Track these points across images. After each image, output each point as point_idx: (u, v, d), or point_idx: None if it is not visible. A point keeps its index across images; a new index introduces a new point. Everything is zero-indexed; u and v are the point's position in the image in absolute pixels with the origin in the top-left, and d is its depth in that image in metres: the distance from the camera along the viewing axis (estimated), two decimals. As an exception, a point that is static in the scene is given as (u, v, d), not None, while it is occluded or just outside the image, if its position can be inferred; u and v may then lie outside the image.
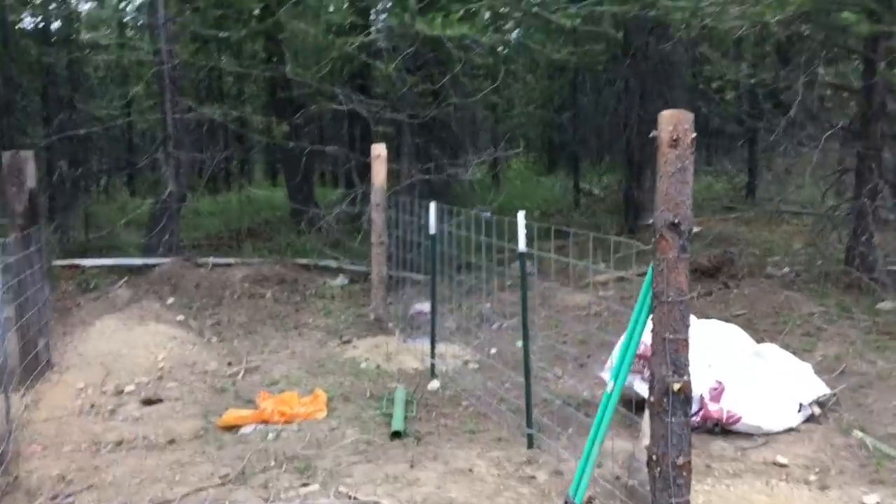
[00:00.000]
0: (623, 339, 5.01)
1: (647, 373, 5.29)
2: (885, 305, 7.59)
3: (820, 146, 7.91)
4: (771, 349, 5.74)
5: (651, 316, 3.23)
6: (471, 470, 4.50)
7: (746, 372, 5.24)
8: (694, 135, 3.10)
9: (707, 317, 7.56)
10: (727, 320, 6.91)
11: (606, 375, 5.65)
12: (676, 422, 3.17)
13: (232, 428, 5.40)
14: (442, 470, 4.52)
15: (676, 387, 3.15)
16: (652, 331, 3.22)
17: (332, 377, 6.49)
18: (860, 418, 5.08)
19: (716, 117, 13.18)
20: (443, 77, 9.19)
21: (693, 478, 4.31)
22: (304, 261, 10.63)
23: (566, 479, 4.35)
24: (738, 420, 4.84)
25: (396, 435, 5.09)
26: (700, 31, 10.53)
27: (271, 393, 5.98)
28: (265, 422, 5.46)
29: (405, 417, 5.36)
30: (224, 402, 5.95)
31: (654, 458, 3.23)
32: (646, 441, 4.63)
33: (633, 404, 5.19)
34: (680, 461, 3.18)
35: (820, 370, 5.70)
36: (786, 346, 6.06)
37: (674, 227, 3.09)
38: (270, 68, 10.38)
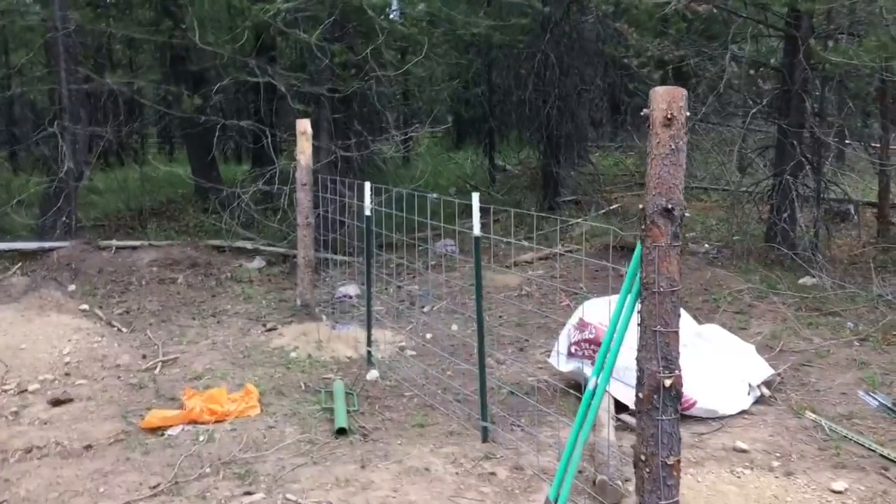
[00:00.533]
0: (568, 319, 4.85)
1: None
2: (807, 281, 7.75)
3: (747, 124, 7.96)
4: (713, 330, 5.71)
5: (638, 307, 3.03)
6: (427, 469, 4.24)
7: (693, 354, 5.17)
8: (688, 113, 2.90)
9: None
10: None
11: (555, 361, 5.49)
12: (668, 419, 2.99)
13: (157, 430, 4.95)
14: (396, 470, 4.24)
15: (668, 382, 2.96)
16: (639, 323, 3.02)
17: (260, 369, 6.09)
18: (808, 398, 5.09)
19: (629, 95, 13.22)
20: (363, 49, 8.76)
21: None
22: (216, 242, 10.06)
23: (528, 474, 4.16)
24: (694, 404, 4.76)
25: (341, 432, 4.77)
26: (618, 7, 10.49)
27: (196, 389, 5.54)
28: (194, 422, 5.03)
29: (348, 412, 5.04)
30: (143, 401, 5.47)
31: (642, 457, 3.05)
32: (605, 432, 4.49)
33: (582, 389, 5.07)
34: (671, 461, 3.01)
35: (759, 349, 5.71)
36: (721, 325, 6.06)
37: (667, 212, 2.89)
38: (175, 36, 9.66)
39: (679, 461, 3.05)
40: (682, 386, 3.01)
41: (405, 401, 5.36)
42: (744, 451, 4.35)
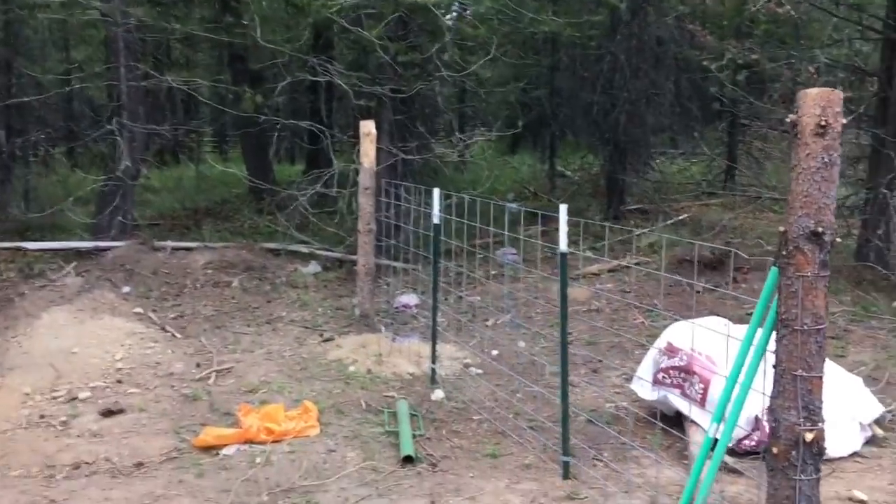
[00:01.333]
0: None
1: (689, 388, 4.70)
2: (906, 304, 7.17)
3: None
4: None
5: (775, 345, 2.60)
6: (504, 508, 3.84)
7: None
8: (844, 121, 2.46)
9: (714, 313, 7.03)
10: (743, 320, 6.39)
11: (638, 388, 5.05)
12: (807, 480, 2.56)
13: (211, 448, 4.64)
14: (469, 507, 3.85)
15: (809, 437, 2.53)
16: (776, 366, 2.59)
17: (318, 383, 5.76)
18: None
19: (700, 99, 12.66)
20: (428, 48, 8.41)
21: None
22: (271, 245, 9.81)
23: (617, 519, 3.73)
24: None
25: (407, 460, 4.39)
26: (696, 9, 9.98)
27: (252, 405, 5.22)
28: (250, 441, 4.71)
29: (413, 437, 4.66)
30: (197, 415, 5.18)
31: (774, 523, 2.62)
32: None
33: (657, 416, 4.62)
34: (809, 528, 2.58)
35: (863, 381, 5.18)
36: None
37: (815, 237, 2.45)
38: (235, 34, 9.44)
39: (817, 528, 2.60)
40: (824, 441, 2.57)
41: (474, 426, 4.97)
42: (863, 502, 3.86)
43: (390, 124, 8.89)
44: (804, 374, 2.53)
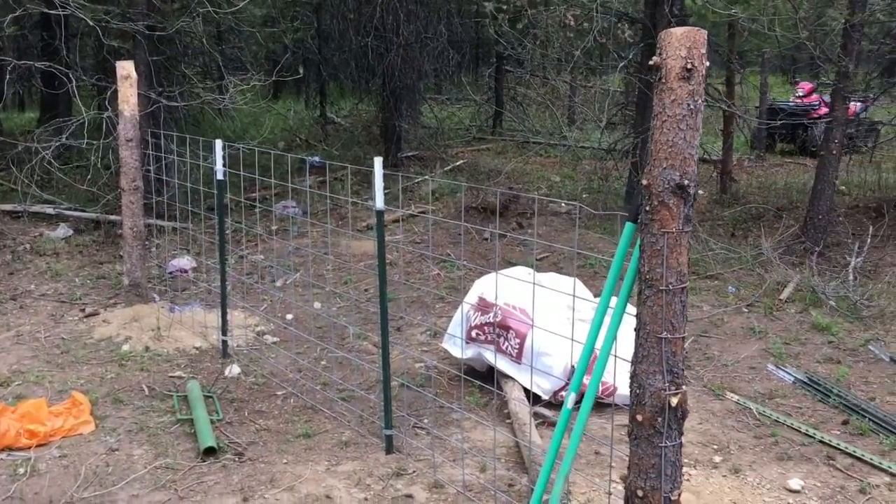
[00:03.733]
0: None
1: (504, 343, 4.56)
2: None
3: (616, 78, 7.58)
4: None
5: (637, 307, 2.42)
6: (328, 496, 3.46)
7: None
8: (707, 64, 2.28)
9: (511, 262, 7.05)
10: (533, 266, 6.45)
11: (450, 346, 4.84)
12: (672, 446, 2.43)
13: (-45, 463, 3.79)
14: (289, 500, 3.43)
15: (675, 401, 2.39)
16: (638, 328, 2.41)
17: (86, 368, 4.96)
18: (719, 376, 4.79)
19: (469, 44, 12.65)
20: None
21: (584, 470, 3.69)
22: (7, 207, 8.44)
23: (450, 493, 3.49)
24: (615, 391, 4.28)
25: (209, 452, 3.85)
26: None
27: (5, 402, 4.36)
28: (7, 449, 3.91)
29: (211, 423, 4.11)
30: (-68, 421, 4.23)
31: (639, 493, 2.47)
32: (527, 432, 3.91)
33: (468, 373, 4.48)
34: (675, 496, 2.46)
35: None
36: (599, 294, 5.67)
37: (680, 190, 2.27)
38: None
39: (680, 494, 2.50)
40: (687, 403, 2.45)
41: (279, 402, 4.50)
42: (679, 444, 3.93)
43: (147, 66, 7.87)
44: (669, 336, 2.37)
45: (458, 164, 11.46)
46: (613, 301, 2.70)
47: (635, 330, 2.45)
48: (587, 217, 8.50)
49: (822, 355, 5.05)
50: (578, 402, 2.72)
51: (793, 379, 4.65)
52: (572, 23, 9.59)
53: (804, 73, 14.86)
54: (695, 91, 2.26)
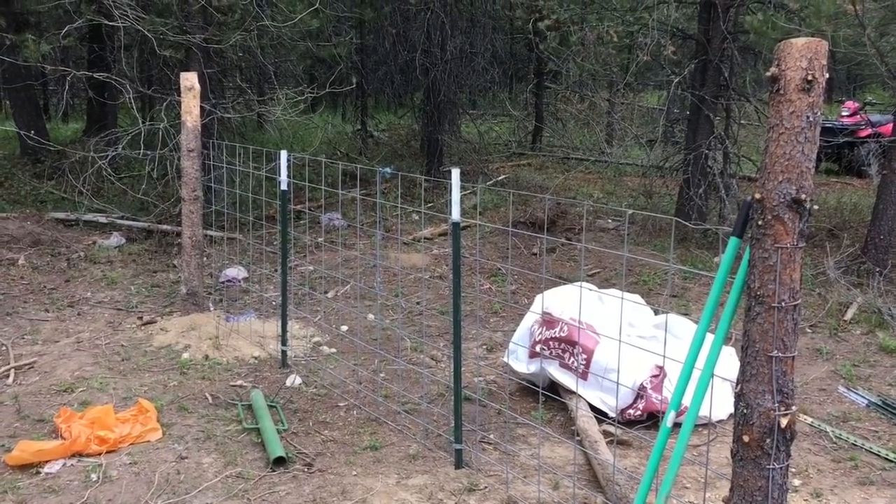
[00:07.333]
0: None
1: (570, 358, 4.51)
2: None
3: (669, 96, 7.54)
4: (674, 321, 5.19)
5: (745, 324, 2.37)
6: (402, 509, 3.43)
7: (668, 352, 4.64)
8: (827, 76, 2.24)
9: (560, 277, 7.00)
10: (584, 280, 6.40)
11: (513, 361, 4.80)
12: (780, 468, 2.37)
13: (29, 466, 3.81)
14: (363, 513, 3.40)
15: (784, 421, 2.33)
16: (745, 347, 2.36)
17: (148, 375, 4.98)
18: (788, 396, 4.69)
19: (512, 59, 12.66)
20: (245, -6, 7.57)
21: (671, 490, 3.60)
22: (61, 215, 8.56)
23: (525, 509, 3.44)
24: (685, 410, 4.21)
25: (278, 462, 3.84)
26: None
27: (71, 408, 4.39)
28: (78, 454, 3.93)
29: (277, 433, 4.10)
30: (2, 424, 4.27)
31: (742, 515, 2.42)
32: (602, 449, 3.86)
33: (532, 389, 4.43)
34: (780, 518, 2.40)
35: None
36: (661, 311, 5.60)
37: (796, 204, 2.23)
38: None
39: (785, 516, 2.44)
40: (796, 424, 2.39)
41: (343, 413, 4.48)
42: (755, 465, 3.85)
43: (202, 78, 7.95)
44: (780, 354, 2.32)
45: (500, 178, 11.43)
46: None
47: (742, 348, 2.40)
48: (636, 234, 8.42)
49: (893, 378, 4.93)
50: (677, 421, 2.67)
51: (866, 402, 4.55)
52: (615, 39, 9.58)
53: (859, 93, 14.67)
54: (814, 103, 2.21)
